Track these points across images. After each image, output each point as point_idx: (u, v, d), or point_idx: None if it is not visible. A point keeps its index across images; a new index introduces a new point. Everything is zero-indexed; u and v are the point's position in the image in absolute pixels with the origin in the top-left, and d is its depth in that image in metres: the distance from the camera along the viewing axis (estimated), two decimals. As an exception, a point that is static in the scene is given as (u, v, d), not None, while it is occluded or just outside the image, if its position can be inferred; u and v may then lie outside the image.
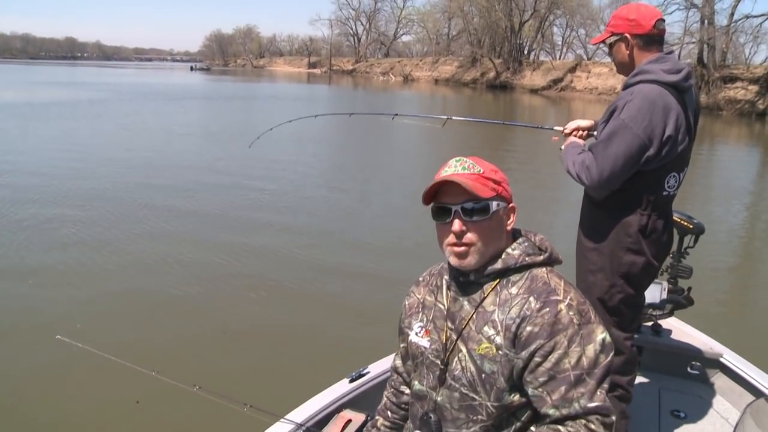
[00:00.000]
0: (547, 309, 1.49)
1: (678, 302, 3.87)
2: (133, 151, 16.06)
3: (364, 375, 3.01)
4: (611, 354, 1.49)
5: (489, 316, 1.56)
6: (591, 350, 1.46)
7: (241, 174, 13.77)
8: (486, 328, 1.55)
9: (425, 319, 1.72)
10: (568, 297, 1.51)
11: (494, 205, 1.58)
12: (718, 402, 3.46)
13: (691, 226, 3.68)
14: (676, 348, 3.69)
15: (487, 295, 1.58)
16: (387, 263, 8.08)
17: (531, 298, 1.52)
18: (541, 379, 1.47)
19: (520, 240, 1.64)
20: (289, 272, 7.61)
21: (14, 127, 20.10)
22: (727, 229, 10.56)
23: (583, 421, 1.43)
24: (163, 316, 6.28)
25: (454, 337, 1.61)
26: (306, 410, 2.72)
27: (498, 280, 1.59)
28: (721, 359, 3.58)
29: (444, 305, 1.68)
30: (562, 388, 1.45)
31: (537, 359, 1.47)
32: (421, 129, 20.27)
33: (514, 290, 1.56)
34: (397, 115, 4.40)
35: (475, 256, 1.58)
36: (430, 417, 1.64)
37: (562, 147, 3.02)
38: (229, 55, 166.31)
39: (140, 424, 4.34)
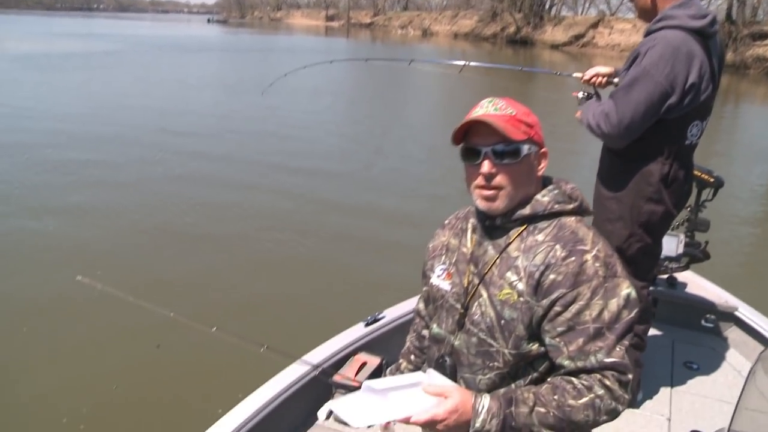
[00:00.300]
0: (573, 258, 1.43)
1: (694, 256, 3.86)
2: (150, 100, 16.09)
3: (379, 319, 3.04)
4: (635, 310, 1.43)
5: (513, 261, 1.50)
6: (614, 304, 1.41)
7: (257, 122, 13.79)
8: (509, 274, 1.50)
9: (448, 262, 1.67)
10: (596, 248, 1.45)
11: (525, 148, 1.50)
12: (732, 355, 3.47)
13: (711, 180, 3.64)
14: (690, 301, 3.69)
15: (513, 240, 1.52)
16: (403, 212, 8.14)
17: (557, 246, 1.46)
18: (560, 329, 1.43)
19: (550, 187, 1.56)
20: (307, 216, 7.73)
21: (32, 78, 20.11)
22: (748, 187, 10.46)
23: (598, 376, 1.39)
24: (180, 256, 6.41)
25: (476, 281, 1.56)
26: (322, 352, 2.76)
27: (525, 226, 1.53)
28: (736, 313, 3.58)
29: (468, 249, 1.63)
30: (580, 340, 1.40)
31: (557, 308, 1.43)
32: (440, 80, 20.04)
33: (540, 237, 1.50)
34: (413, 61, 4.40)
35: (504, 200, 1.52)
36: (446, 360, 1.62)
37: (580, 95, 3.00)
38: (246, 7, 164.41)
39: (159, 365, 4.45)
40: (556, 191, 1.54)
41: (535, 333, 1.48)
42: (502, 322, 1.50)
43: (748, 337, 3.49)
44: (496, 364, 1.52)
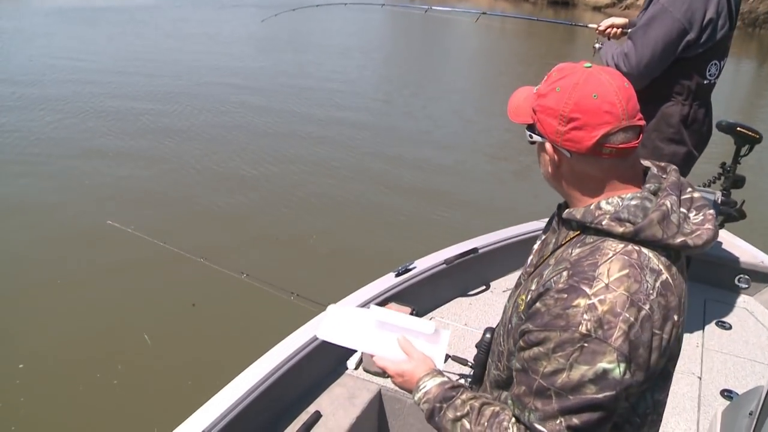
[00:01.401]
0: (564, 296, 1.13)
1: (729, 214, 3.78)
2: (183, 55, 15.97)
3: (410, 269, 3.02)
4: (606, 393, 1.09)
5: (544, 268, 1.26)
6: (578, 372, 1.09)
7: (286, 76, 13.66)
8: (535, 280, 1.26)
9: (545, 236, 1.44)
10: (601, 297, 1.10)
11: (528, 135, 1.27)
12: (765, 315, 3.41)
13: (756, 135, 3.60)
14: (724, 260, 3.62)
15: (564, 243, 1.27)
16: (438, 169, 8.08)
17: (565, 273, 1.16)
18: (517, 365, 1.22)
19: (629, 196, 1.18)
20: (341, 166, 7.76)
21: (64, 32, 20.04)
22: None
23: None
24: (209, 208, 6.44)
25: (532, 270, 1.35)
26: (352, 301, 2.75)
27: (578, 232, 1.24)
28: None
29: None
30: (523, 388, 1.18)
31: (521, 343, 1.20)
32: (479, 33, 19.64)
33: (573, 253, 1.20)
34: (430, 8, 4.39)
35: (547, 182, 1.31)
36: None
37: (597, 45, 2.99)
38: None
39: (189, 312, 4.51)
40: (631, 202, 1.17)
41: None
42: (510, 326, 1.33)
43: None
44: (500, 365, 1.39)
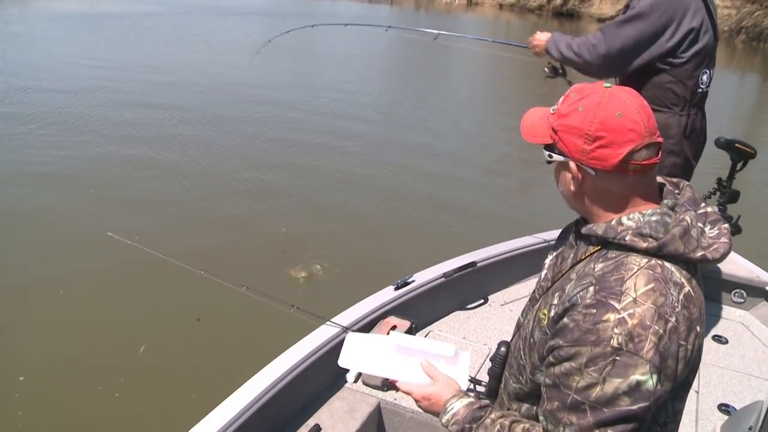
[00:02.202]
0: (593, 311, 1.14)
1: (726, 230, 3.81)
2: (181, 64, 16.03)
3: (409, 283, 3.04)
4: (641, 404, 1.10)
5: (566, 283, 1.27)
6: (612, 385, 1.10)
7: (284, 88, 13.71)
8: (557, 294, 1.28)
9: (562, 249, 1.44)
10: (630, 311, 1.12)
11: (547, 155, 1.28)
12: (761, 330, 3.43)
13: (752, 151, 3.65)
14: (720, 275, 3.65)
15: (584, 258, 1.28)
16: (436, 183, 8.11)
17: (592, 288, 1.18)
18: (547, 380, 1.23)
19: (650, 211, 1.21)
20: (335, 183, 7.73)
21: (61, 37, 20.10)
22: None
23: None
24: (210, 218, 6.47)
25: (549, 285, 1.37)
26: (352, 314, 2.77)
27: (599, 248, 1.26)
28: (767, 288, 3.53)
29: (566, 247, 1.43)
30: (556, 404, 1.19)
31: (551, 359, 1.21)
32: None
33: (597, 268, 1.22)
34: (390, 27, 4.51)
35: (565, 200, 1.34)
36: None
37: (535, 38, 3.06)
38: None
39: (189, 325, 4.51)
40: (653, 218, 1.20)
41: None
42: (531, 341, 1.34)
43: None
44: (521, 378, 1.40)
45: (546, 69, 3.20)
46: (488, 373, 1.56)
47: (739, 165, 3.83)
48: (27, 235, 5.78)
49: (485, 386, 1.60)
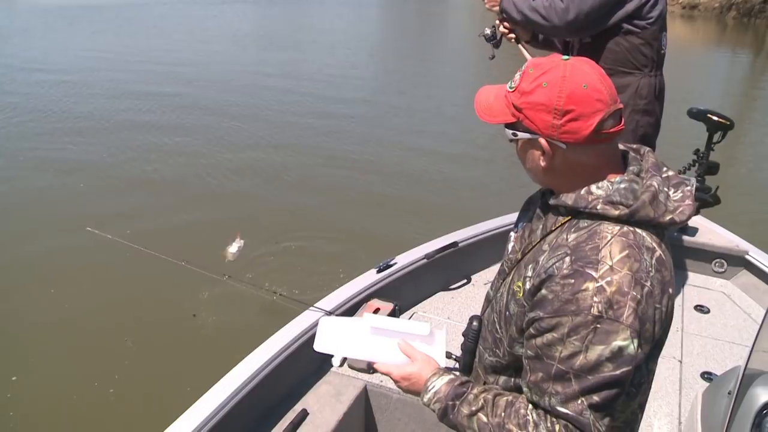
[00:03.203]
0: (572, 281, 1.15)
1: (704, 200, 3.85)
2: (168, 54, 15.87)
3: (391, 265, 3.04)
4: (623, 368, 1.13)
5: (539, 254, 1.28)
6: (595, 353, 1.12)
7: (271, 77, 13.61)
8: (530, 266, 1.28)
9: (526, 221, 1.44)
10: (608, 278, 1.13)
11: (510, 133, 1.27)
12: (742, 298, 3.47)
13: (726, 122, 3.67)
14: (701, 245, 3.68)
15: (555, 229, 1.29)
16: (415, 163, 8.10)
17: (567, 258, 1.18)
18: (529, 353, 1.23)
19: (618, 179, 1.22)
20: (319, 167, 7.71)
21: (40, 32, 19.78)
22: (762, 131, 10.43)
23: (551, 418, 1.19)
24: (190, 208, 6.44)
25: (519, 256, 1.37)
26: (335, 299, 2.76)
27: (569, 218, 1.27)
28: (747, 257, 3.57)
29: (532, 218, 1.42)
30: (540, 374, 1.20)
31: (532, 331, 1.22)
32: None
33: (570, 238, 1.22)
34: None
35: (532, 177, 1.34)
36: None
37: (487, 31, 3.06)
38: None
39: (172, 315, 4.49)
40: (622, 186, 1.21)
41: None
42: (507, 313, 1.34)
43: (758, 280, 3.50)
44: (498, 351, 1.40)
45: (486, 31, 3.09)
46: (461, 348, 1.56)
47: (718, 136, 3.87)
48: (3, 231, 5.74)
49: (458, 360, 1.59)
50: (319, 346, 1.50)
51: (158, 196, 6.71)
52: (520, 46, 3.03)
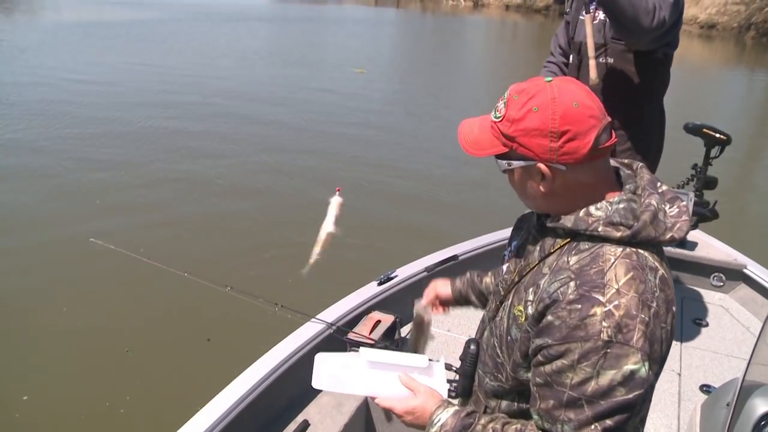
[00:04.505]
0: (578, 306, 1.13)
1: (703, 215, 3.88)
2: (192, 68, 15.94)
3: (392, 278, 3.06)
4: (636, 392, 1.11)
5: (539, 277, 1.25)
6: (607, 378, 1.10)
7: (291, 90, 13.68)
8: (530, 290, 1.25)
9: (522, 241, 1.42)
10: (615, 302, 1.11)
11: (504, 164, 1.24)
12: (740, 312, 3.49)
13: (723, 137, 3.70)
14: (699, 259, 3.71)
15: (554, 251, 1.26)
16: (419, 185, 8.12)
17: (572, 283, 1.16)
18: (538, 380, 1.21)
19: (617, 198, 1.20)
20: (315, 186, 7.72)
21: (61, 47, 19.92)
22: (758, 145, 10.49)
23: None
24: (193, 218, 6.49)
25: (516, 279, 1.34)
26: (336, 311, 2.78)
27: (568, 240, 1.24)
28: (745, 270, 3.59)
29: (527, 237, 1.40)
30: (551, 402, 1.17)
31: (540, 358, 1.19)
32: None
33: (572, 261, 1.20)
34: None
35: (528, 203, 1.32)
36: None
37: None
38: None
39: (174, 326, 4.52)
40: (620, 206, 1.19)
41: (529, 366, 1.28)
42: (509, 338, 1.32)
43: (756, 294, 3.52)
44: (500, 376, 1.38)
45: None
46: (459, 372, 1.53)
47: (715, 151, 3.90)
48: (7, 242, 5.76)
49: (458, 372, 1.56)
50: (317, 384, 1.46)
51: (161, 206, 6.75)
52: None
